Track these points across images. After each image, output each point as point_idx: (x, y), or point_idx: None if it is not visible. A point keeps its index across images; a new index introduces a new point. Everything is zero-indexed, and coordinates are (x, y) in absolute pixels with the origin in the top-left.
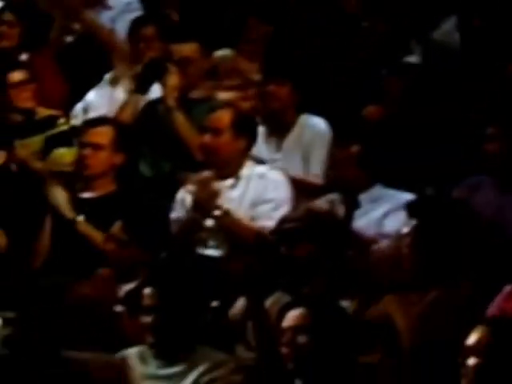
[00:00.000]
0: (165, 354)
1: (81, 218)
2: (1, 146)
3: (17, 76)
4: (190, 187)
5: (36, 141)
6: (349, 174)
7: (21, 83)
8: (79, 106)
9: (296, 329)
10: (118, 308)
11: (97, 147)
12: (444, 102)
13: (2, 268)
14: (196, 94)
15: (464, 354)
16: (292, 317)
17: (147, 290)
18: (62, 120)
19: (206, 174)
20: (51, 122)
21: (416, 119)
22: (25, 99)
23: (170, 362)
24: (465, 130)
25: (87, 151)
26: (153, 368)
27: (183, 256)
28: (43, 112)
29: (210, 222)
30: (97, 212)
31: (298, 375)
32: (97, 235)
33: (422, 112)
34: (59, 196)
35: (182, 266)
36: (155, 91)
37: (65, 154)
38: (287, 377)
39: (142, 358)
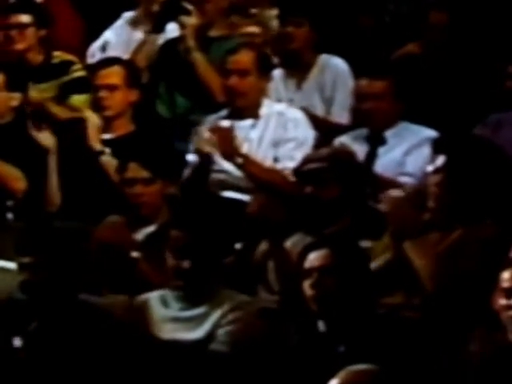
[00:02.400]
0: (189, 297)
1: (108, 151)
2: (15, 89)
3: (22, 18)
4: (208, 136)
5: (51, 86)
6: (380, 108)
7: (24, 26)
8: (96, 45)
9: (321, 270)
10: (135, 253)
11: (111, 88)
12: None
13: (19, 212)
14: (214, 32)
15: (501, 297)
16: (316, 258)
17: (175, 232)
18: (77, 66)
19: (225, 123)
20: (66, 67)
21: (449, 58)
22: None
23: (192, 304)
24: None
25: (102, 93)
26: (174, 310)
27: (206, 197)
28: (59, 57)
29: (228, 166)
30: (117, 152)
31: (322, 317)
32: (118, 174)
33: (456, 51)
34: (91, 126)
35: (207, 208)
36: (173, 31)
37: (81, 101)
38: (310, 318)
39: (164, 301)
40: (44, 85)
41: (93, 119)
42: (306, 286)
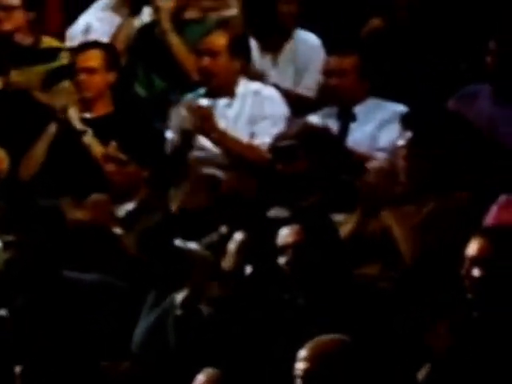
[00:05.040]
0: None
1: (89, 131)
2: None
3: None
4: (184, 113)
5: (37, 71)
6: (346, 85)
7: (12, 7)
8: (78, 28)
9: (294, 246)
10: (117, 230)
11: (90, 71)
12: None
13: (1, 191)
14: (189, 14)
15: (466, 265)
16: (288, 234)
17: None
18: (65, 53)
19: (203, 102)
20: (55, 53)
21: (417, 30)
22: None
23: None
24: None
25: (82, 76)
26: None
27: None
28: (48, 42)
29: (206, 143)
30: (96, 131)
31: (299, 290)
32: (100, 150)
33: (424, 23)
34: (71, 109)
35: None
36: (149, 14)
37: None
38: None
39: None
40: (30, 68)
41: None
42: (282, 262)
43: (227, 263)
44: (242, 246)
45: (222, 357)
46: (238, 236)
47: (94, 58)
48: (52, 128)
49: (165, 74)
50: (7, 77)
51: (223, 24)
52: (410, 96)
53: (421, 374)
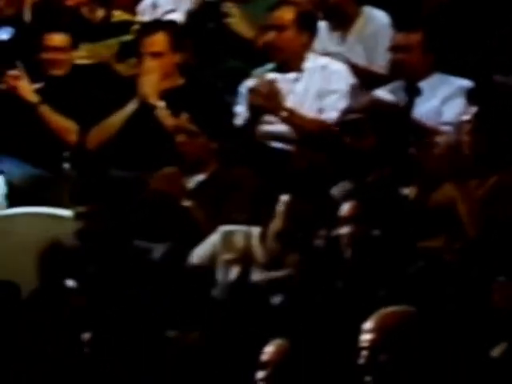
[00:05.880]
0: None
1: (162, 104)
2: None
3: None
4: (253, 89)
5: (110, 44)
6: (412, 60)
7: None
8: (147, 2)
9: (349, 219)
10: (186, 202)
11: (156, 55)
12: None
13: (75, 163)
14: None
15: None
16: (347, 209)
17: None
18: (136, 26)
19: (267, 78)
20: (126, 27)
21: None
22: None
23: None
24: None
25: (148, 59)
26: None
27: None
28: (118, 16)
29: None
30: (168, 103)
31: (359, 263)
32: (171, 122)
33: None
34: (149, 83)
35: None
36: None
37: None
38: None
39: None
40: (104, 42)
41: (151, 77)
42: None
43: (276, 225)
44: (289, 207)
45: (290, 328)
46: (285, 197)
47: (159, 42)
48: (133, 104)
49: (233, 50)
50: (79, 51)
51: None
52: (475, 71)
53: (496, 352)
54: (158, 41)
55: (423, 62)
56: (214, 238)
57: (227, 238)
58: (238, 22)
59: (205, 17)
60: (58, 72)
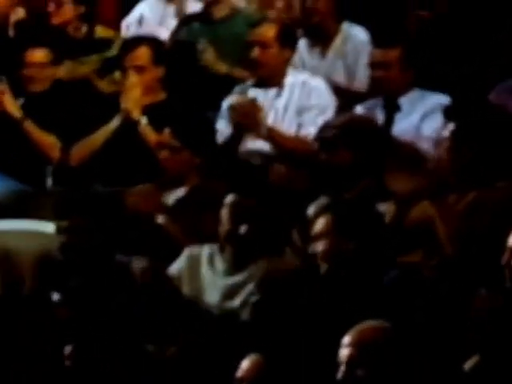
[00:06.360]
0: (235, 261)
1: (144, 120)
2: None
3: None
4: (233, 107)
5: (92, 60)
6: (391, 76)
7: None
8: (132, 18)
9: (318, 236)
10: (161, 219)
11: (139, 69)
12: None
13: (58, 178)
14: (217, 13)
15: (506, 255)
16: (318, 224)
17: (233, 199)
18: (118, 42)
19: (247, 97)
20: (108, 43)
21: (460, 22)
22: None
23: (236, 268)
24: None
25: (132, 74)
26: (219, 275)
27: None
28: (101, 32)
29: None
30: (149, 118)
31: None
32: (154, 138)
33: (467, 14)
34: (131, 98)
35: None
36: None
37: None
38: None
39: (211, 259)
40: (85, 58)
41: (134, 92)
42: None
43: (223, 227)
44: (233, 207)
45: (266, 343)
46: (230, 198)
47: (142, 56)
48: (116, 121)
49: None
50: (60, 67)
51: (271, 17)
52: (452, 88)
53: (468, 365)
54: (141, 55)
55: (402, 78)
56: (179, 262)
57: (192, 259)
58: (212, 59)
59: (180, 55)
60: (37, 88)
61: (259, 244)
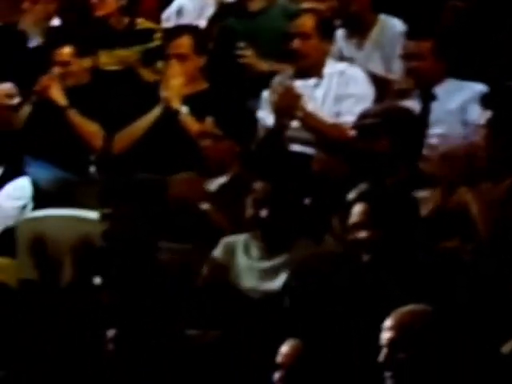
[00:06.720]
0: (269, 246)
1: (185, 110)
2: (87, 53)
3: None
4: (273, 92)
5: (134, 51)
6: (425, 67)
7: None
8: (172, 10)
9: (357, 225)
10: (205, 206)
11: (181, 57)
12: None
13: (101, 166)
14: (254, 5)
15: None
16: (354, 213)
17: (260, 185)
18: (158, 34)
19: (286, 76)
20: (149, 34)
21: (495, 11)
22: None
23: (271, 254)
24: None
25: (174, 62)
26: (254, 260)
27: (276, 151)
28: (142, 24)
29: (294, 123)
30: (192, 108)
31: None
32: (196, 127)
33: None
34: (172, 88)
35: (280, 161)
36: None
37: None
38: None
39: (246, 249)
40: (127, 50)
41: (175, 81)
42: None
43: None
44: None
45: (305, 327)
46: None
47: (184, 45)
48: (157, 110)
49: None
50: (96, 57)
51: (301, 10)
52: (488, 76)
53: (506, 348)
54: (183, 43)
55: (436, 69)
56: (217, 252)
57: (227, 249)
58: (252, 59)
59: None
60: (75, 82)
61: (289, 228)
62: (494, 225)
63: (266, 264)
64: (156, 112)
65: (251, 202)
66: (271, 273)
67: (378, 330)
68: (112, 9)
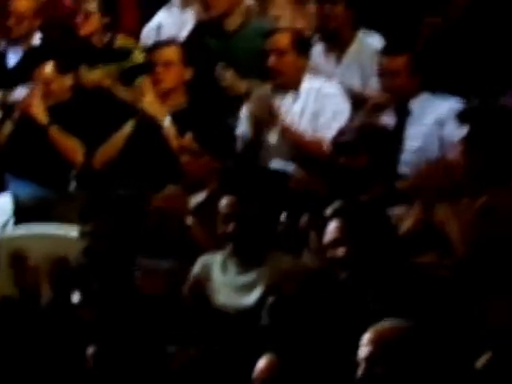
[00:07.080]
0: (243, 261)
1: (168, 121)
2: (68, 70)
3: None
4: (250, 105)
5: (112, 68)
6: (399, 83)
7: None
8: (153, 25)
9: (333, 242)
10: (189, 220)
11: (167, 64)
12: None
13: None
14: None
15: None
16: (329, 230)
17: (226, 200)
18: (138, 52)
19: (265, 91)
20: (126, 52)
21: (473, 27)
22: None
23: (246, 269)
24: None
25: (159, 68)
26: (231, 275)
27: (252, 168)
28: (121, 40)
29: (273, 138)
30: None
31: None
32: (176, 141)
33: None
34: (151, 101)
35: (255, 177)
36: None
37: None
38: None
39: (224, 266)
40: (106, 67)
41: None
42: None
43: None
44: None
45: (281, 342)
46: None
47: (171, 52)
48: (130, 124)
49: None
50: (77, 74)
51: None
52: (465, 92)
53: (479, 363)
54: (171, 51)
55: (411, 84)
56: (195, 269)
57: (205, 266)
58: (231, 80)
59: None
60: (55, 99)
61: (259, 242)
62: (471, 241)
63: (242, 279)
64: (129, 125)
65: (220, 217)
66: (246, 288)
67: (356, 345)
68: (95, 27)
